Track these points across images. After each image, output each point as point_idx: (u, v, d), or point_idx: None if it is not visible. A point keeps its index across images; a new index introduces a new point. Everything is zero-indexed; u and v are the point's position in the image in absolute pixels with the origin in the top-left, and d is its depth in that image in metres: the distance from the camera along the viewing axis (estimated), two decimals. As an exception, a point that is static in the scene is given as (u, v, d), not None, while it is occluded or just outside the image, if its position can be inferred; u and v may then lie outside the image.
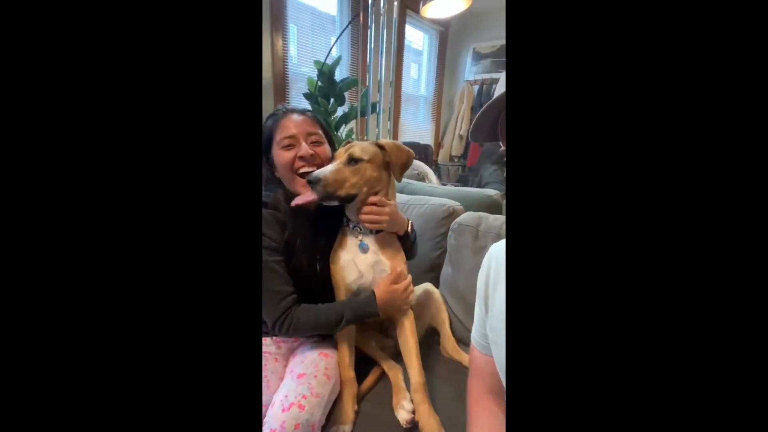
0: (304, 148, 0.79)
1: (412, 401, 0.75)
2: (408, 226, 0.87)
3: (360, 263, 0.80)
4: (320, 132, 0.83)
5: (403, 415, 0.73)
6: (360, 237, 0.82)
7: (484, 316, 0.54)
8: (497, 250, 0.54)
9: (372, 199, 0.79)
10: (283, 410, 0.64)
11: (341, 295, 0.82)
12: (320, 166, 0.78)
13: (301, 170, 0.79)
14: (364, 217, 0.79)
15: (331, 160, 0.81)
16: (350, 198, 0.76)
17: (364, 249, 0.81)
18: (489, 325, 0.53)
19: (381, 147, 0.79)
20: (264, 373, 0.78)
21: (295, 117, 0.81)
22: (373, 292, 0.78)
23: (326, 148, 0.83)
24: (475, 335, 0.57)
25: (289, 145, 0.79)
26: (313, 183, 0.72)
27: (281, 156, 0.79)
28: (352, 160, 0.76)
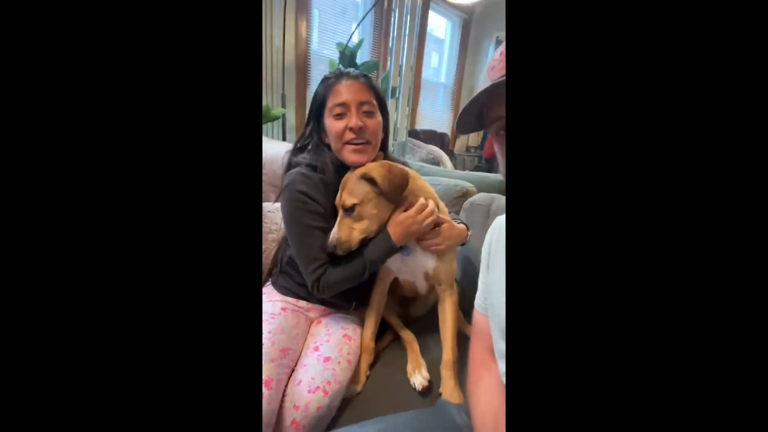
0: (354, 120, 0.78)
1: (428, 371, 0.78)
2: (466, 237, 0.87)
3: (402, 260, 0.82)
4: (373, 100, 0.82)
5: (419, 380, 0.76)
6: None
7: (486, 281, 0.59)
8: (500, 222, 0.58)
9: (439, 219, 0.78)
10: (310, 392, 0.68)
11: (384, 276, 0.85)
12: (368, 140, 0.80)
13: (350, 140, 0.80)
14: (422, 243, 0.79)
15: (380, 131, 0.83)
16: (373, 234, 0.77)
17: (406, 253, 0.81)
18: (488, 288, 0.57)
19: (371, 179, 0.74)
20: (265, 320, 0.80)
21: (348, 83, 0.80)
22: (386, 229, 0.77)
23: (377, 120, 0.82)
24: (478, 300, 0.61)
25: (340, 114, 0.79)
26: (332, 248, 0.75)
27: (332, 125, 0.80)
28: (346, 210, 0.75)
